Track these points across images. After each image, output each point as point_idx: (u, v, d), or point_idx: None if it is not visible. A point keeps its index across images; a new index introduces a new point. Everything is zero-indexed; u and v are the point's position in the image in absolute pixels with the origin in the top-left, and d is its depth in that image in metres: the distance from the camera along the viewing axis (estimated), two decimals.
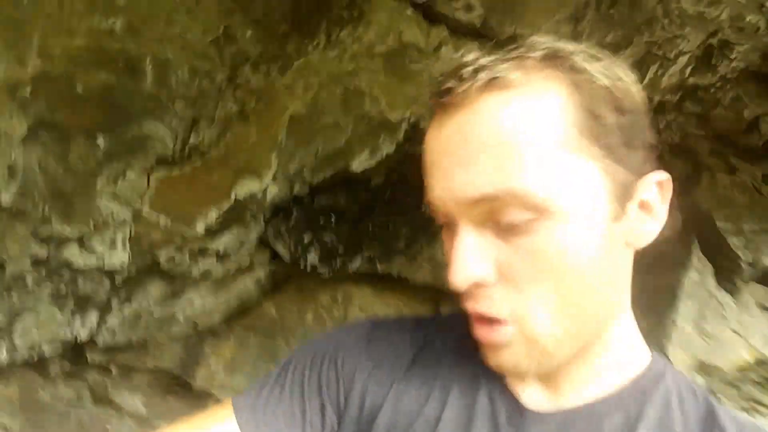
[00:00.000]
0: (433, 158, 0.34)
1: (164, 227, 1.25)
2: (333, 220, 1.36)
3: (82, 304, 1.35)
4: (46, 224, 1.07)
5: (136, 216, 1.23)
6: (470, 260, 0.31)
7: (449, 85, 0.31)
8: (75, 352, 1.65)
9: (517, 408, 0.36)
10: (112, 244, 1.27)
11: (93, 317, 1.42)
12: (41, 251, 1.13)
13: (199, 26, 0.79)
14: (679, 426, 0.33)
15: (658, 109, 1.20)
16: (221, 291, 1.59)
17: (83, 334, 1.39)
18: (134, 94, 0.88)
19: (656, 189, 0.33)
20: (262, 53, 0.86)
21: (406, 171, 1.30)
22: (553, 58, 0.31)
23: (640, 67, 1.03)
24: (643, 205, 0.33)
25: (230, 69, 0.88)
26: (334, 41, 0.85)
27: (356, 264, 1.48)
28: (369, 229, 1.41)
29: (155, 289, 1.51)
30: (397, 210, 1.41)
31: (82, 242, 1.19)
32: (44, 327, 1.32)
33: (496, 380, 0.37)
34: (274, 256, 1.57)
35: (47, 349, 1.36)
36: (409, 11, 0.84)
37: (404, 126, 1.14)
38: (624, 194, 0.32)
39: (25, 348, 1.31)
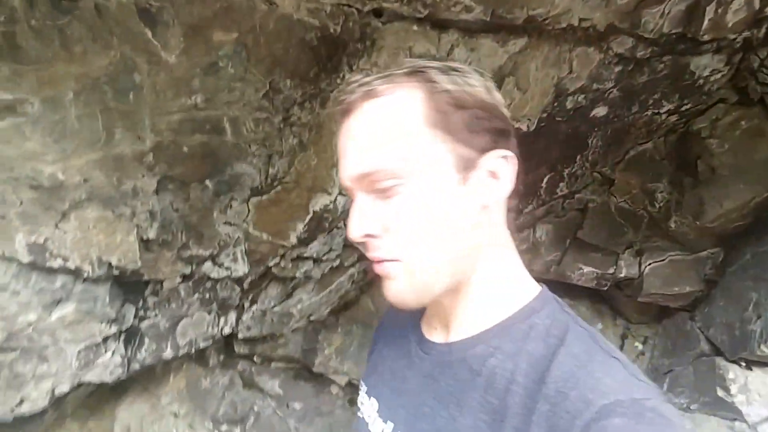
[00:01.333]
0: (337, 152, 0.45)
1: (267, 241, 1.53)
2: None
3: (223, 307, 1.72)
4: (185, 249, 1.42)
5: (246, 235, 1.54)
6: (361, 219, 0.42)
7: (342, 98, 0.43)
8: (227, 346, 2.09)
9: (423, 341, 0.49)
10: (234, 259, 1.60)
11: (232, 317, 1.79)
12: (186, 269, 1.50)
13: (252, 87, 0.98)
14: (528, 358, 0.38)
15: (742, 47, 1.00)
16: (323, 289, 1.84)
17: (226, 330, 1.77)
18: (221, 146, 1.13)
19: (501, 161, 0.42)
20: (303, 94, 1.02)
21: None
22: (414, 73, 0.42)
23: (693, 11, 0.90)
24: (491, 174, 0.42)
25: (283, 112, 1.06)
26: (357, 70, 0.96)
27: None
28: None
29: (273, 291, 1.84)
30: None
31: (213, 259, 1.53)
32: (197, 327, 1.72)
33: (417, 328, 0.51)
34: (363, 255, 1.74)
35: (201, 345, 1.76)
36: (415, 27, 0.90)
37: None
38: (467, 166, 0.41)
39: (184, 345, 1.73)
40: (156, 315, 1.68)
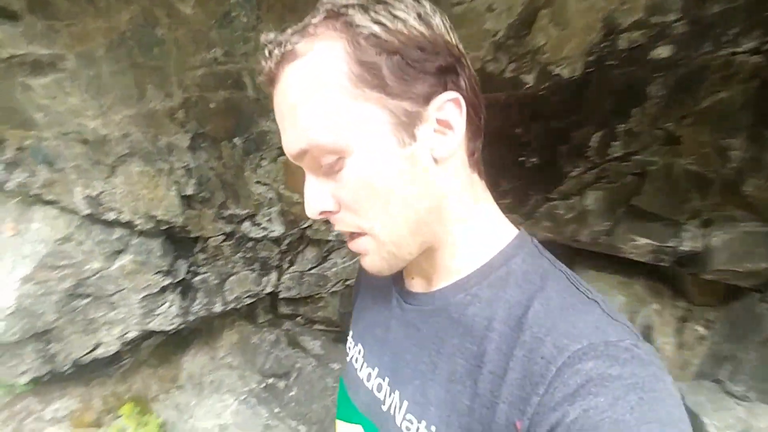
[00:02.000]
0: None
1: (299, 202, 1.54)
2: None
3: (264, 267, 1.80)
4: (224, 208, 1.49)
5: (279, 196, 1.57)
6: (314, 198, 0.38)
7: (262, 65, 0.37)
8: (273, 307, 2.20)
9: (404, 291, 0.47)
10: (270, 219, 1.65)
11: (273, 276, 1.86)
12: (227, 227, 1.57)
13: None
14: (504, 304, 0.37)
15: None
16: (356, 254, 1.84)
17: (268, 289, 1.85)
18: (243, 102, 1.14)
19: (450, 106, 0.36)
20: None
21: (492, 121, 1.22)
22: (332, 18, 0.35)
23: None
24: (441, 123, 0.37)
25: None
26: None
27: None
28: None
29: (309, 253, 1.88)
30: (492, 164, 1.33)
31: (251, 218, 1.59)
32: (242, 284, 1.81)
33: (398, 279, 0.49)
34: None
35: (247, 301, 1.86)
36: None
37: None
38: (409, 122, 0.36)
39: (232, 300, 1.83)
40: (206, 271, 1.79)
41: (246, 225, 1.59)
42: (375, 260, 0.40)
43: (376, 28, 0.34)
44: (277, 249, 1.74)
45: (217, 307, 1.85)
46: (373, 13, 0.35)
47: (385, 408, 0.44)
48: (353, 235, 0.39)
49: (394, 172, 0.36)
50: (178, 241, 1.64)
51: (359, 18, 0.34)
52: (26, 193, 1.29)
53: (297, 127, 0.36)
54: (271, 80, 0.37)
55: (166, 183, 1.25)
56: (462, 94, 0.37)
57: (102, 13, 0.88)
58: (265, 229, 1.61)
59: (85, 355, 1.94)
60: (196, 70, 1.02)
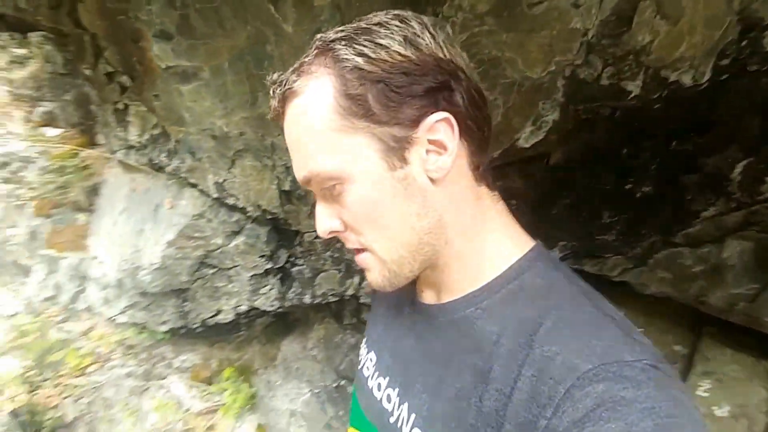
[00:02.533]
0: None
1: None
2: (514, 206, 1.26)
3: (348, 269, 1.89)
4: None
5: None
6: (322, 219, 0.42)
7: (271, 104, 0.42)
8: (358, 311, 2.29)
9: (416, 302, 0.48)
10: None
11: (356, 280, 1.95)
12: None
13: None
14: (515, 320, 0.36)
15: None
16: None
17: (350, 291, 1.94)
18: None
19: (440, 127, 0.37)
20: None
21: (590, 138, 1.05)
22: (322, 54, 0.38)
23: None
24: (433, 143, 0.38)
25: None
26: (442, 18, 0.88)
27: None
28: (558, 215, 1.20)
29: None
30: (591, 190, 1.13)
31: None
32: (329, 282, 1.94)
33: (412, 289, 0.49)
34: None
35: (331, 299, 1.98)
36: None
37: (559, 82, 0.95)
38: (399, 147, 0.37)
39: (319, 296, 1.97)
40: (302, 263, 1.99)
41: None
42: (377, 276, 0.42)
43: (360, 60, 0.36)
44: None
45: (307, 299, 2.01)
46: (356, 45, 0.37)
47: (392, 420, 0.44)
48: (358, 251, 0.42)
49: (387, 195, 0.38)
50: (282, 231, 1.87)
51: (344, 52, 0.37)
52: (179, 176, 1.67)
53: (300, 158, 0.40)
54: (278, 117, 0.41)
55: (270, 177, 1.44)
56: (456, 111, 0.37)
57: (228, 33, 1.10)
58: None
59: (210, 317, 2.33)
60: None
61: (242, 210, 1.67)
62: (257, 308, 2.18)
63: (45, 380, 2.37)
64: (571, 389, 0.29)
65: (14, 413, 2.01)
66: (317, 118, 0.37)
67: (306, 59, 0.39)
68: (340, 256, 1.87)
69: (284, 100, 0.40)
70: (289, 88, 0.39)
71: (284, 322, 2.92)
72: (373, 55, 0.36)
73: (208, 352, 3.05)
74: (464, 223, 0.41)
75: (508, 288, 0.39)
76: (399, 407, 0.43)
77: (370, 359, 0.52)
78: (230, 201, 1.63)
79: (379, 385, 0.48)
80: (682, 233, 1.07)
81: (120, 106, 1.85)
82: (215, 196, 1.63)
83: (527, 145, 1.11)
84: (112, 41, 1.55)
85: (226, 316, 2.29)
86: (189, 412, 2.81)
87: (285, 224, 1.77)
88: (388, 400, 0.46)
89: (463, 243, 0.41)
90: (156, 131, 1.70)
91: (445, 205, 0.39)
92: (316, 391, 2.32)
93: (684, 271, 1.08)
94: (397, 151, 0.37)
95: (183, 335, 2.78)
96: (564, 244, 1.23)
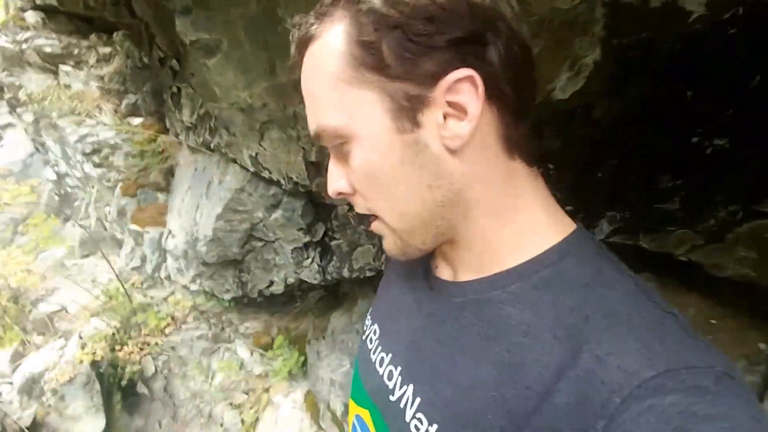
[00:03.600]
0: None
1: None
2: (552, 170, 1.08)
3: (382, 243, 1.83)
4: None
5: None
6: (331, 178, 0.38)
7: (291, 48, 0.37)
8: None
9: (431, 276, 0.43)
10: None
11: None
12: None
13: None
14: (553, 310, 0.31)
15: None
16: None
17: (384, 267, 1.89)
18: None
19: (463, 87, 0.31)
20: None
21: (643, 82, 0.84)
22: None
23: None
24: (453, 106, 0.32)
25: None
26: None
27: (599, 231, 1.09)
28: (604, 179, 1.00)
29: None
30: (647, 146, 0.91)
31: None
32: (365, 257, 1.90)
33: (427, 262, 0.45)
34: None
35: (368, 273, 1.94)
36: None
37: (597, 11, 0.76)
38: (411, 107, 0.32)
39: (357, 269, 1.94)
40: (339, 237, 1.97)
41: None
42: (390, 244, 0.39)
43: (377, 2, 0.31)
44: None
45: (345, 273, 2.00)
46: None
47: (393, 398, 0.40)
48: (371, 217, 0.39)
49: (395, 161, 0.33)
50: (318, 205, 1.86)
51: None
52: (222, 152, 1.72)
53: (311, 111, 0.36)
54: (296, 65, 0.37)
55: (296, 149, 1.42)
56: (487, 70, 0.31)
57: (239, 1, 1.06)
58: None
59: (265, 288, 2.44)
60: None
61: (277, 183, 1.68)
62: (304, 281, 2.23)
63: (129, 339, 2.69)
64: (630, 400, 0.24)
65: (96, 365, 2.31)
66: (327, 68, 0.33)
67: (325, 1, 0.34)
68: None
69: (301, 46, 0.36)
70: (305, 33, 0.35)
71: (335, 296, 2.98)
72: None
73: (269, 321, 3.24)
74: (489, 201, 0.35)
75: (543, 273, 0.33)
76: (402, 387, 0.39)
77: (374, 331, 0.48)
78: (265, 174, 1.65)
79: (382, 359, 0.44)
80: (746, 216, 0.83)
81: (174, 89, 1.96)
82: (252, 170, 1.66)
83: (565, 96, 0.93)
84: (159, 26, 1.62)
85: (278, 288, 2.38)
86: (250, 374, 3.02)
87: (319, 197, 1.76)
88: (390, 377, 0.42)
89: (488, 221, 0.36)
90: (202, 110, 1.77)
91: (465, 179, 0.34)
92: None
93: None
94: (409, 111, 0.32)
95: (246, 304, 2.98)
96: (613, 215, 1.03)
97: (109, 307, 2.78)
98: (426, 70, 0.31)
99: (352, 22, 0.32)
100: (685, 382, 0.24)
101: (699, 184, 0.87)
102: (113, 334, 2.56)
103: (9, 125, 3.57)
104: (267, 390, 2.82)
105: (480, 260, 0.37)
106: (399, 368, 0.41)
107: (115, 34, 3.16)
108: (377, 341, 0.47)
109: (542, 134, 1.04)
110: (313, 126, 0.36)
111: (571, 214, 0.39)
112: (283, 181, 1.63)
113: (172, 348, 2.97)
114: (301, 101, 0.38)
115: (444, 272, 0.42)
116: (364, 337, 0.51)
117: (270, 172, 1.62)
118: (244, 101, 1.32)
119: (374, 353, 0.46)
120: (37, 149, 3.52)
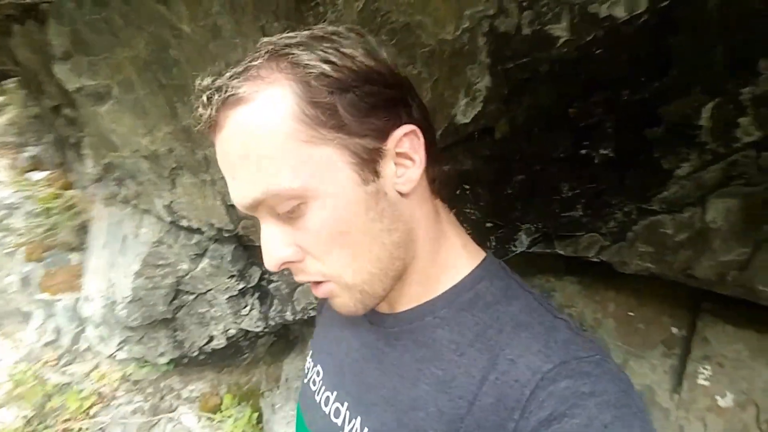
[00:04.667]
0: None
1: None
2: (467, 190, 1.13)
3: None
4: None
5: None
6: (274, 247, 0.37)
7: (200, 112, 0.36)
8: None
9: (373, 311, 0.45)
10: None
11: None
12: None
13: (250, 39, 0.96)
14: (473, 327, 0.37)
15: None
16: None
17: None
18: None
19: (408, 140, 0.37)
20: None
21: (532, 101, 0.91)
22: (275, 59, 0.34)
23: None
24: (402, 156, 0.37)
25: None
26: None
27: (520, 244, 1.15)
28: (515, 194, 1.06)
29: None
30: (544, 161, 0.99)
31: None
32: (307, 296, 1.85)
33: None
34: None
35: (311, 313, 1.88)
36: None
37: (480, 40, 0.82)
38: (370, 159, 0.35)
39: (300, 311, 1.88)
40: (277, 279, 1.91)
41: None
42: (347, 302, 0.39)
43: (326, 67, 0.34)
44: None
45: (288, 316, 1.93)
46: (319, 52, 0.34)
47: None
48: (318, 283, 0.39)
49: (360, 212, 0.35)
50: (249, 248, 1.79)
51: (306, 57, 0.34)
52: (131, 204, 1.62)
53: (250, 176, 0.35)
54: (213, 127, 0.36)
55: (212, 193, 1.37)
56: (417, 124, 0.37)
57: (125, 43, 1.03)
58: None
59: (205, 344, 2.27)
60: None
61: (199, 231, 1.60)
62: (246, 330, 2.11)
63: (46, 428, 2.36)
64: (536, 390, 0.30)
65: None
66: (277, 128, 0.33)
67: (253, 63, 0.34)
68: None
69: (224, 107, 0.34)
70: (232, 95, 0.34)
71: (286, 341, 2.85)
72: (339, 63, 0.34)
73: (216, 378, 3.01)
74: (427, 236, 0.40)
75: (465, 297, 0.39)
76: (350, 421, 0.42)
77: (317, 372, 0.51)
78: (184, 223, 1.57)
79: (327, 398, 0.47)
80: (657, 198, 0.92)
81: (73, 139, 1.83)
82: (169, 219, 1.57)
83: (467, 120, 0.99)
84: (46, 74, 1.51)
85: (219, 342, 2.23)
86: None
87: (248, 240, 1.70)
88: (337, 414, 0.44)
89: (423, 254, 0.40)
90: (105, 161, 1.66)
91: (413, 218, 0.39)
92: None
93: (666, 241, 0.93)
94: (370, 163, 0.36)
95: (187, 364, 2.75)
96: (528, 227, 1.09)
97: (16, 394, 2.43)
98: (377, 126, 0.35)
99: (299, 84, 0.33)
100: (574, 370, 0.31)
101: (594, 191, 0.95)
102: (25, 426, 2.23)
103: None
104: None
105: (417, 291, 0.42)
106: (345, 404, 0.44)
107: (6, 82, 2.92)
108: (320, 382, 0.49)
109: (455, 157, 1.09)
110: (254, 194, 0.35)
111: (492, 230, 0.44)
112: (205, 228, 1.55)
113: (101, 430, 2.65)
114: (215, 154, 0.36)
115: (382, 306, 0.45)
116: (306, 380, 0.52)
117: (189, 220, 1.54)
118: (146, 149, 1.26)
119: (318, 394, 0.48)
120: None
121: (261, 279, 1.89)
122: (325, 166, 0.34)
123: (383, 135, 0.36)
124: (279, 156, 0.34)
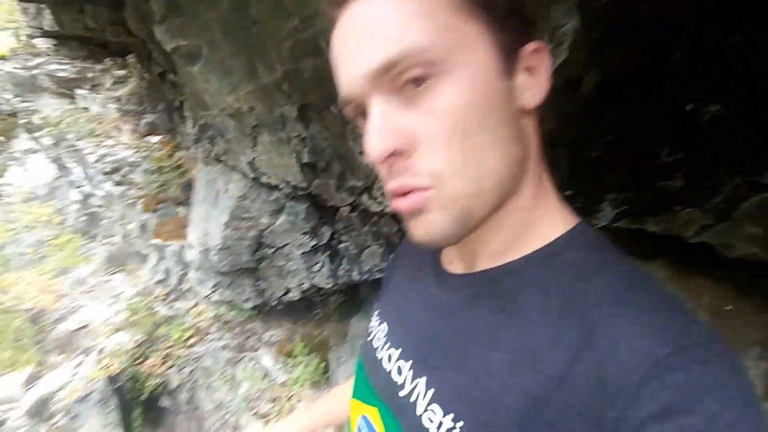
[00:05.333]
0: (338, 52, 0.34)
1: None
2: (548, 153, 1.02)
3: (388, 243, 1.82)
4: (343, 178, 1.59)
5: None
6: (383, 132, 0.32)
7: None
8: None
9: (440, 271, 0.44)
10: (383, 193, 1.63)
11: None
12: (349, 198, 1.67)
13: None
14: (566, 296, 0.33)
15: None
16: None
17: None
18: (327, 67, 1.18)
19: (538, 56, 0.34)
20: None
21: (629, 47, 0.78)
22: None
23: None
24: (530, 69, 0.34)
25: None
26: None
27: (603, 217, 1.03)
28: (601, 158, 0.95)
29: None
30: (640, 118, 0.85)
31: (368, 191, 1.63)
32: (373, 258, 1.90)
33: (436, 257, 0.46)
34: None
35: (377, 275, 1.93)
36: None
37: None
38: (509, 57, 0.33)
39: (366, 272, 1.94)
40: (346, 240, 1.98)
41: (365, 197, 1.65)
42: (439, 220, 0.33)
43: None
44: (396, 226, 1.73)
45: (355, 276, 2.01)
46: None
47: (403, 393, 0.41)
48: (417, 190, 0.33)
49: (491, 106, 0.32)
50: (322, 208, 1.88)
51: None
52: (222, 160, 1.78)
53: (390, 34, 0.31)
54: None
55: (288, 151, 1.44)
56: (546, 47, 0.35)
57: (209, 3, 1.10)
58: (380, 203, 1.63)
59: (282, 295, 2.49)
60: (285, 42, 1.13)
61: (277, 188, 1.71)
62: (318, 287, 2.26)
63: (152, 352, 2.82)
64: (648, 378, 0.27)
65: (113, 380, 2.42)
66: None
67: None
68: (378, 230, 1.81)
69: None
70: None
71: (354, 301, 3.00)
72: None
73: (292, 328, 3.31)
74: (535, 172, 0.36)
75: (555, 262, 0.35)
76: (413, 381, 0.40)
77: (382, 330, 0.49)
78: (264, 179, 1.69)
79: (390, 356, 0.44)
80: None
81: (177, 103, 2.05)
82: (252, 176, 1.70)
83: None
84: (153, 41, 1.70)
85: (294, 294, 2.42)
86: (274, 383, 3.09)
87: (321, 200, 1.77)
88: (399, 372, 0.42)
89: (524, 197, 0.36)
90: (201, 121, 1.84)
91: (529, 142, 0.35)
92: None
93: None
94: (510, 60, 0.33)
95: (268, 312, 3.06)
96: (614, 197, 0.97)
97: (132, 321, 2.93)
98: (518, 27, 0.33)
99: None
100: (693, 358, 0.27)
101: (700, 157, 0.80)
102: (135, 347, 2.69)
103: (31, 150, 3.86)
104: (290, 398, 2.88)
105: (497, 249, 0.38)
106: (410, 362, 0.41)
107: (128, 57, 3.37)
108: (385, 338, 0.47)
109: None
110: (383, 55, 0.30)
111: (571, 199, 0.39)
112: (282, 185, 1.66)
113: (197, 359, 3.08)
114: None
115: (457, 266, 0.42)
116: (368, 339, 0.51)
117: (268, 177, 1.65)
118: (231, 107, 1.36)
119: (381, 350, 0.47)
120: (60, 172, 3.79)
121: (332, 238, 1.99)
122: (468, 42, 0.31)
123: (523, 40, 0.33)
124: (431, 14, 0.30)
